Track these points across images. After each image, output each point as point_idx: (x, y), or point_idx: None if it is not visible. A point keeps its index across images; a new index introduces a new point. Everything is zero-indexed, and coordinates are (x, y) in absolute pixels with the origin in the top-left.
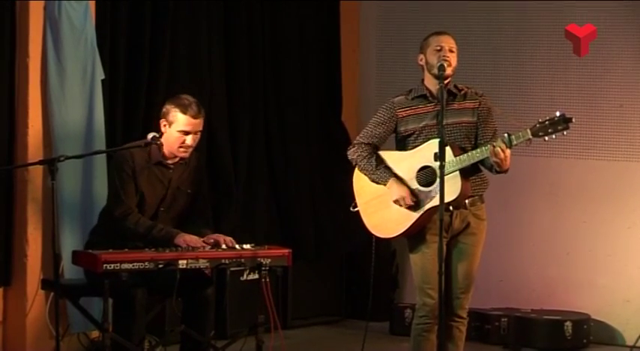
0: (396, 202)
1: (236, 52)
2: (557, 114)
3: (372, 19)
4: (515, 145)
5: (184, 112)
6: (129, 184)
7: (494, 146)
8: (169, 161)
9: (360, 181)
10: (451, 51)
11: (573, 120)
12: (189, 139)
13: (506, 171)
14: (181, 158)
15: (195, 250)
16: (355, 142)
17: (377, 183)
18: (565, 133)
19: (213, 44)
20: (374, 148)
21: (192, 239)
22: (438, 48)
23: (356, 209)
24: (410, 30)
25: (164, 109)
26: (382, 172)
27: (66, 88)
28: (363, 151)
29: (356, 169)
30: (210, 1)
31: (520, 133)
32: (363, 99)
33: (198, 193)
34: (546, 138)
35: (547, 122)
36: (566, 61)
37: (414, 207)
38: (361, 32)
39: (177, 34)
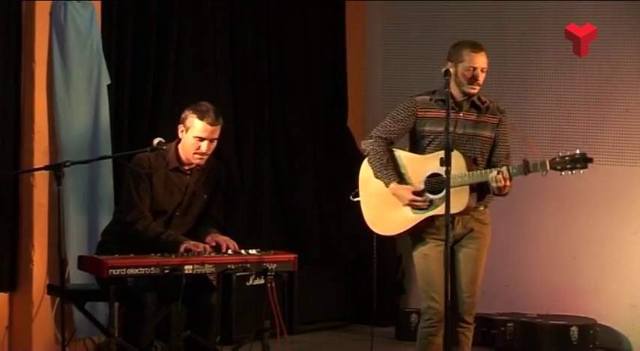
0: (407, 205)
1: (242, 57)
2: (578, 152)
3: (378, 23)
4: (531, 172)
5: (201, 119)
6: (143, 189)
7: (498, 173)
8: (186, 167)
9: (368, 173)
10: (482, 71)
11: (593, 161)
12: (204, 146)
13: (504, 195)
14: (197, 165)
15: (201, 254)
16: (372, 134)
17: (380, 180)
18: (582, 172)
19: (219, 49)
20: (389, 143)
21: (194, 247)
22: (471, 68)
23: (356, 199)
24: (416, 35)
25: (183, 115)
26: (388, 173)
27: (72, 93)
28: (378, 146)
29: (365, 159)
30: (215, 8)
31: (538, 164)
32: (369, 104)
33: (214, 200)
34: (563, 173)
35: (567, 158)
36: (571, 66)
37: (413, 211)
38: (367, 36)
39: (183, 38)
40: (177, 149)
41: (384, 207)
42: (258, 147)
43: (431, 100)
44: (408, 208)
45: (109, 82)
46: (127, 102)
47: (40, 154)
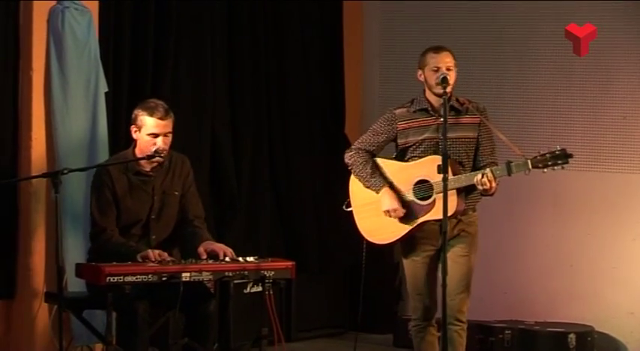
0: (386, 212)
1: (240, 64)
2: (558, 148)
3: (375, 31)
4: (514, 172)
5: (151, 115)
6: (105, 205)
7: (482, 176)
8: (147, 168)
9: (357, 184)
10: (448, 69)
11: (573, 156)
12: (160, 141)
13: (490, 195)
14: (158, 163)
15: (195, 261)
16: (353, 146)
17: (371, 190)
18: (564, 167)
19: (217, 57)
20: (371, 155)
21: (150, 253)
22: (435, 69)
23: (349, 209)
24: (413, 42)
25: (132, 116)
26: (376, 180)
27: (69, 100)
28: (360, 158)
29: (352, 174)
30: (213, 15)
31: (521, 163)
32: (366, 111)
33: (189, 193)
34: (545, 170)
35: (548, 155)
36: (569, 72)
37: (404, 219)
38: (364, 44)
39: (180, 46)
40: (134, 153)
41: (376, 217)
42: (255, 155)
43: (409, 111)
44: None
45: (106, 89)
46: (124, 109)
47: (38, 161)
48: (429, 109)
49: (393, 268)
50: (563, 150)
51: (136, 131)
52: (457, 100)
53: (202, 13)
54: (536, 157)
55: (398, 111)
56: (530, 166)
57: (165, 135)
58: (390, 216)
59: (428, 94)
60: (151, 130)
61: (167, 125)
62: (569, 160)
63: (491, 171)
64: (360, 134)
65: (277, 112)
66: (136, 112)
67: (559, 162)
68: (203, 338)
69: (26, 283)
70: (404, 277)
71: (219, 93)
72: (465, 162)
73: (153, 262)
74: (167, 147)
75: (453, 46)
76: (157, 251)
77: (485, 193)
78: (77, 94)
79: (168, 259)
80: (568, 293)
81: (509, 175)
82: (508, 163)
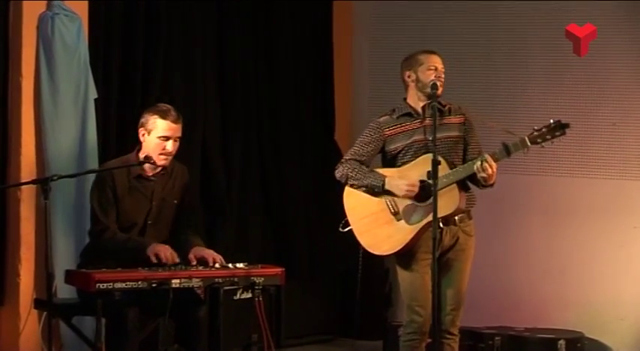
0: (405, 194)
1: (230, 71)
2: (552, 121)
3: (365, 38)
4: (513, 153)
5: (164, 118)
6: (107, 204)
7: (482, 162)
8: (150, 173)
9: (351, 200)
10: (442, 71)
11: (570, 126)
12: (170, 145)
13: (491, 185)
14: (162, 168)
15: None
16: (342, 160)
17: (372, 188)
18: (561, 138)
19: (207, 64)
20: (361, 164)
21: (162, 249)
22: (433, 68)
23: (346, 229)
24: (404, 43)
25: (142, 119)
26: (375, 175)
27: (59, 107)
28: (351, 164)
29: (345, 188)
30: (204, 20)
31: (518, 142)
32: (356, 118)
33: (185, 203)
34: (544, 144)
35: (544, 129)
36: (559, 80)
37: (408, 223)
38: (354, 52)
39: (170, 53)
40: (138, 157)
41: (377, 228)
42: (246, 162)
43: (392, 117)
44: (403, 221)
45: (96, 96)
46: (114, 116)
47: (28, 168)
48: (412, 112)
49: (383, 274)
50: (558, 121)
51: (144, 134)
52: (440, 102)
53: (192, 19)
54: (532, 133)
55: (382, 119)
56: (528, 143)
57: (175, 139)
58: (410, 196)
59: (410, 98)
60: (162, 133)
61: (178, 129)
62: (565, 130)
63: (490, 155)
64: (350, 140)
65: (267, 116)
66: (146, 115)
67: (556, 134)
68: (193, 344)
69: (15, 289)
70: (394, 283)
71: (209, 98)
72: (456, 160)
73: (164, 262)
74: (174, 152)
75: (443, 48)
76: (168, 249)
77: (486, 182)
78: (67, 100)
79: (177, 260)
80: (558, 299)
81: (508, 156)
82: (505, 144)
